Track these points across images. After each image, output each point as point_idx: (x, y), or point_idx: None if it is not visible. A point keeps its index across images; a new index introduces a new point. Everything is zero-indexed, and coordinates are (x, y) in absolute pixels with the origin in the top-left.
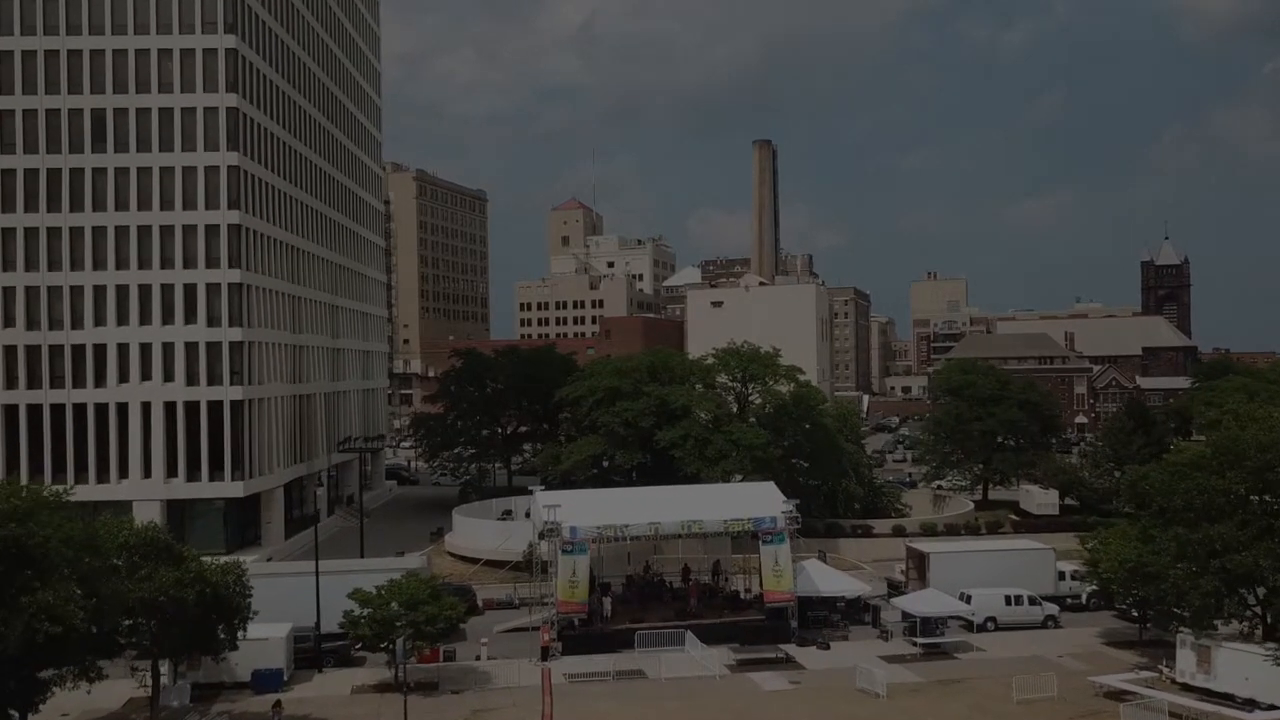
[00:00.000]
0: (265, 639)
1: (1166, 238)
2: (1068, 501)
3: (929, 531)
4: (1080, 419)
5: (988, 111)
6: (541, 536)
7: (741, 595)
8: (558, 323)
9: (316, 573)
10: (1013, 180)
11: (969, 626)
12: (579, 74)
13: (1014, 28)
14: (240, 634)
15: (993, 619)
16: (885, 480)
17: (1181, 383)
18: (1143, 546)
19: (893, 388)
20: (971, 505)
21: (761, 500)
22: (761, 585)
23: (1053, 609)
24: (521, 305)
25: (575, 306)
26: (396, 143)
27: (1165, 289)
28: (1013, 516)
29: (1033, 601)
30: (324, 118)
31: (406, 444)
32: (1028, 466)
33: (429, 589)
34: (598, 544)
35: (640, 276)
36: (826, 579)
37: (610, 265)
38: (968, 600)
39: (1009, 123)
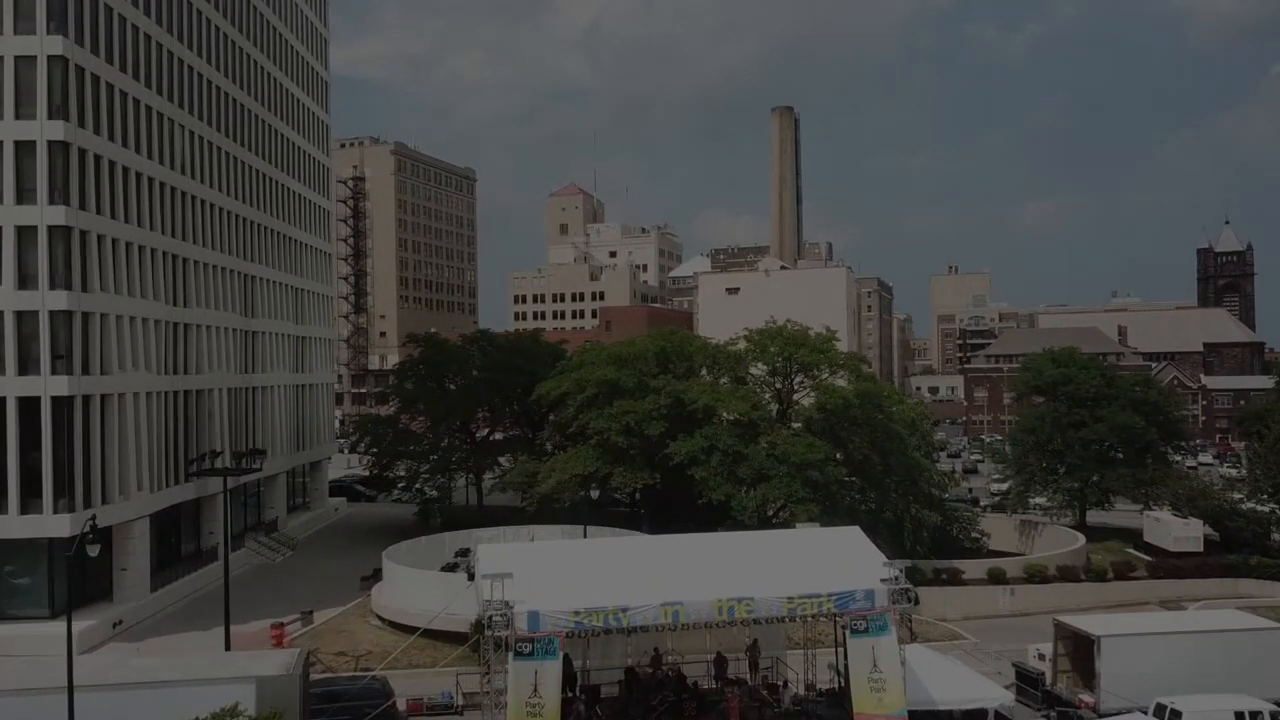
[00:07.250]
0: None
1: (1227, 221)
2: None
3: (1037, 576)
4: None
5: (991, 113)
6: (484, 627)
7: (805, 696)
8: (555, 316)
9: (70, 691)
10: (1016, 181)
11: None
12: (585, 76)
13: (1019, 30)
14: None
15: None
16: (948, 499)
17: (1256, 382)
18: None
19: (919, 388)
20: (1083, 539)
21: (845, 559)
22: (849, 698)
23: None
24: (516, 298)
25: (574, 299)
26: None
27: (1226, 278)
28: (1133, 551)
29: None
30: (228, 23)
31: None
32: (1149, 485)
33: None
34: (582, 636)
35: (644, 267)
36: (942, 678)
37: (612, 255)
38: (1175, 718)
39: (1014, 124)
